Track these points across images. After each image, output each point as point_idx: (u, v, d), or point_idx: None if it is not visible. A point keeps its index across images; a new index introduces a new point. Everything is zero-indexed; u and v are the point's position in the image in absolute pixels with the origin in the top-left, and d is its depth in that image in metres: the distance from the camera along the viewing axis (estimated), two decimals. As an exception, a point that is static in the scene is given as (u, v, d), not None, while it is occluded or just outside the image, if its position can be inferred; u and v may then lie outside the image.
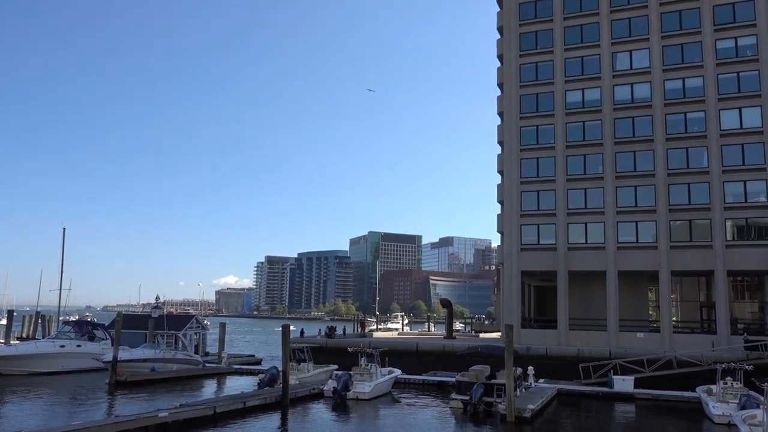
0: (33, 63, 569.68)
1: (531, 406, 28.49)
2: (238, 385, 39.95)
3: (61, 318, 66.30)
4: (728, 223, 47.16)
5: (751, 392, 28.17)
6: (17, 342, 54.00)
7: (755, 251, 45.90)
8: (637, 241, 48.96)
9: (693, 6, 50.18)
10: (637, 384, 36.32)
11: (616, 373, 37.56)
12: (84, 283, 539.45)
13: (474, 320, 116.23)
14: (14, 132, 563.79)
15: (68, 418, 26.71)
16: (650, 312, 51.95)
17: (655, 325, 49.75)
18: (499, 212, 56.01)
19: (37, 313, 67.77)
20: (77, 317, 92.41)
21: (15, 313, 58.21)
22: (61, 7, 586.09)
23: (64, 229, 64.57)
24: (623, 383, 36.16)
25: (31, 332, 66.01)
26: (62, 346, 45.46)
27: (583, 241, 50.52)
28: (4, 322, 63.23)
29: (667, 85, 50.00)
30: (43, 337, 55.21)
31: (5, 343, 51.74)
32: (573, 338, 48.50)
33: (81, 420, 25.04)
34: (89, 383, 38.96)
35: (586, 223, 50.59)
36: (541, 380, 38.43)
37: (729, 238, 46.98)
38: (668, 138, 49.12)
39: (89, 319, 66.11)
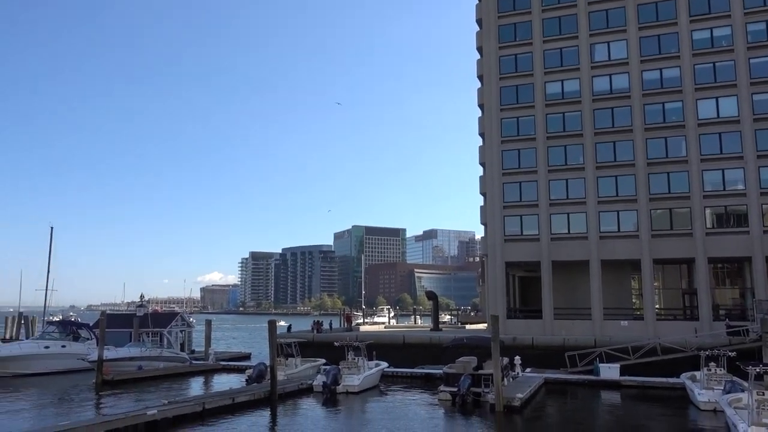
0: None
1: (520, 395, 28.88)
2: (226, 381, 39.98)
3: (44, 318, 65.70)
4: (707, 211, 47.92)
5: (735, 378, 28.76)
6: (0, 343, 53.48)
7: (734, 238, 46.74)
8: (618, 231, 49.60)
9: (670, -3, 50.74)
10: (623, 371, 36.92)
11: (601, 361, 38.16)
12: (67, 283, 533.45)
13: (460, 312, 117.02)
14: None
15: (56, 419, 26.55)
16: (633, 300, 52.66)
17: (638, 312, 50.47)
18: (482, 204, 56.38)
19: (20, 313, 67.22)
20: (61, 317, 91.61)
21: (-3, 315, 57.68)
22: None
23: (51, 228, 64.16)
24: (609, 371, 36.74)
25: (14, 333, 65.45)
26: (47, 347, 45.11)
27: (566, 231, 51.06)
28: (-15, 324, 62.63)
29: (645, 76, 50.57)
30: (27, 338, 54.70)
31: (-12, 346, 51.23)
32: (558, 327, 49.09)
33: (69, 420, 24.94)
34: (75, 383, 38.75)
35: (568, 213, 51.13)
36: (528, 369, 38.91)
37: (709, 225, 47.76)
38: (647, 128, 49.73)
39: (73, 319, 65.44)
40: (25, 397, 34.10)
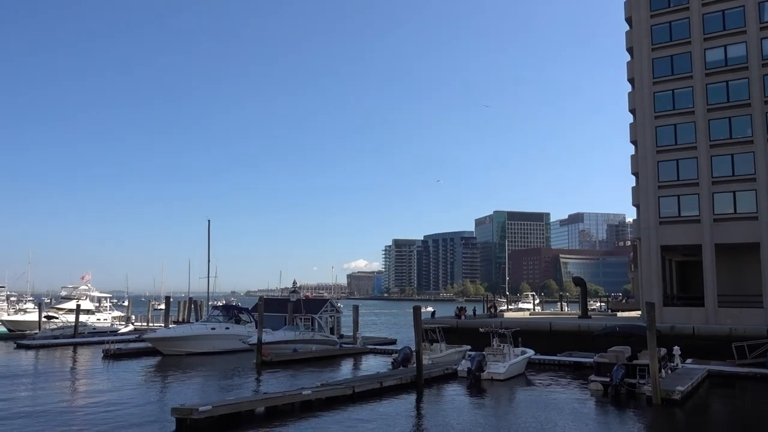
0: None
1: (680, 388, 26.91)
2: (374, 364, 41.27)
3: (210, 303, 71.84)
4: None
5: None
6: (175, 325, 59.29)
7: None
8: (796, 209, 44.32)
9: None
10: (802, 365, 33.14)
11: (775, 354, 34.51)
12: (228, 270, 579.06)
13: (610, 299, 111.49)
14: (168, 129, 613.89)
15: (223, 394, 29.02)
16: (814, 286, 46.95)
17: (820, 300, 44.92)
18: (634, 185, 52.98)
19: (190, 299, 73.99)
20: (224, 302, 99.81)
21: (171, 300, 63.97)
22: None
23: (209, 221, 70.20)
24: (784, 364, 33.13)
25: (185, 316, 72.24)
26: (213, 329, 49.33)
27: (732, 211, 46.52)
28: (162, 307, 69.77)
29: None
30: (197, 321, 60.07)
31: (165, 326, 57.08)
32: (723, 316, 45.02)
33: (234, 396, 27.15)
34: (238, 363, 42.02)
35: (734, 192, 46.49)
36: (689, 360, 36.20)
37: None
38: (831, 92, 43.84)
39: (235, 304, 70.99)
40: (196, 374, 37.54)
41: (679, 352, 34.52)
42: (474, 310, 66.79)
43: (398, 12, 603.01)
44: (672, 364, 33.14)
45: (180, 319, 71.75)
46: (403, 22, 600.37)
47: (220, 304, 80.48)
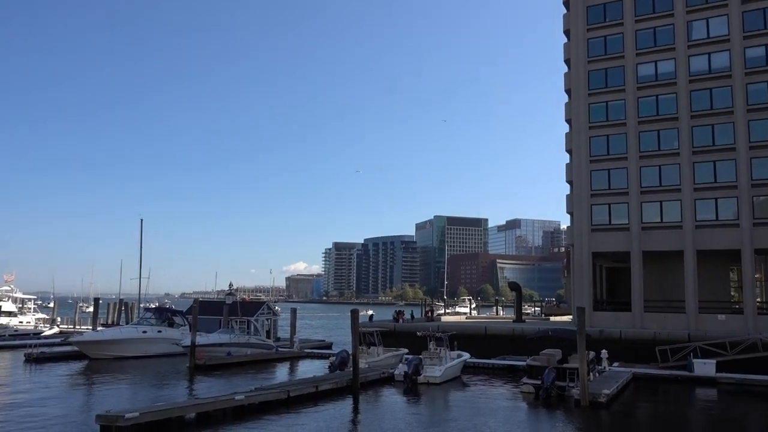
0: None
1: (606, 391, 27.79)
2: (310, 368, 40.83)
3: (141, 305, 69.55)
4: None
5: None
6: (103, 328, 57.05)
7: None
8: (717, 219, 46.68)
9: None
10: (720, 368, 34.80)
11: (695, 357, 36.15)
12: (162, 272, 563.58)
13: (544, 303, 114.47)
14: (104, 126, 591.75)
15: (152, 400, 28.02)
16: (732, 293, 49.56)
17: (737, 306, 47.45)
18: (568, 192, 54.61)
19: (121, 300, 71.43)
20: (157, 304, 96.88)
21: (101, 301, 61.56)
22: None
23: (141, 220, 67.90)
24: (704, 367, 34.72)
25: (115, 319, 69.68)
26: (144, 332, 47.68)
27: (658, 220, 48.61)
28: (91, 309, 67.08)
29: (747, 53, 47.14)
30: (127, 323, 58.01)
31: (93, 329, 54.83)
32: (649, 321, 46.92)
33: (164, 401, 26.25)
34: (170, 367, 40.76)
35: (661, 201, 48.61)
36: (615, 364, 37.44)
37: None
38: (749, 109, 46.41)
39: (168, 306, 68.96)
40: (125, 378, 36.18)
41: (607, 356, 35.69)
42: (412, 314, 67.18)
43: (345, 17, 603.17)
44: (600, 367, 34.23)
45: (109, 322, 69.12)
46: (349, 27, 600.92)
47: (152, 306, 78.00)
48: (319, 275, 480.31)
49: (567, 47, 54.83)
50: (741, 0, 47.66)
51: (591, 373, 30.14)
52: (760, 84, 46.45)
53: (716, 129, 47.37)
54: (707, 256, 47.09)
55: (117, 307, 71.23)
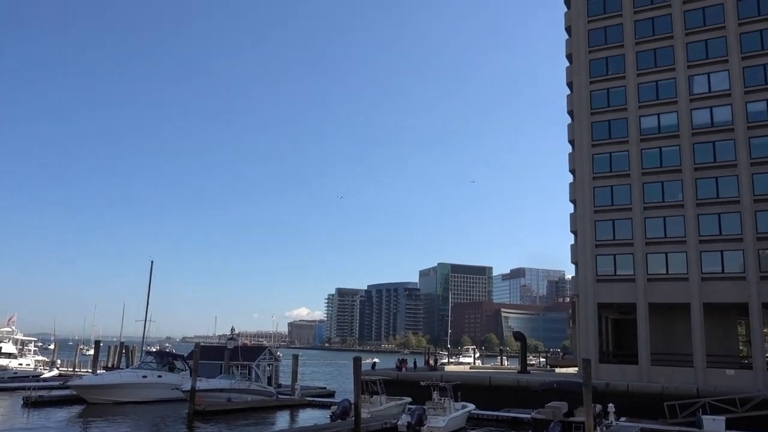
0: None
1: (613, 446, 27.18)
2: (311, 417, 40.17)
3: (143, 349, 68.95)
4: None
5: None
6: (103, 371, 56.47)
7: None
8: (723, 272, 46.43)
9: (775, 25, 48.06)
10: (729, 425, 34.00)
11: (705, 413, 35.40)
12: (165, 315, 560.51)
13: (549, 354, 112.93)
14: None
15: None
16: (740, 347, 48.89)
17: (746, 361, 46.72)
18: (573, 242, 54.58)
19: (122, 343, 70.90)
20: (158, 348, 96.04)
21: (101, 344, 61.13)
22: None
23: (152, 261, 67.37)
24: (714, 423, 33.91)
25: (115, 362, 69.02)
26: (144, 377, 47.19)
27: (664, 272, 48.34)
28: (92, 352, 66.54)
29: (749, 108, 47.80)
30: (127, 367, 57.44)
31: (93, 373, 54.31)
32: (656, 374, 46.18)
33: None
34: (169, 413, 40.18)
35: (666, 253, 48.47)
36: (623, 419, 36.69)
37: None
38: (753, 162, 46.76)
39: (169, 350, 68.36)
40: (122, 424, 35.64)
41: (614, 410, 35.00)
42: (414, 363, 66.39)
43: (353, 60, 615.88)
44: (607, 421, 33.51)
45: (110, 365, 68.45)
46: (357, 72, 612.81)
47: (153, 349, 77.33)
48: (321, 321, 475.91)
49: (570, 98, 55.71)
50: (741, 56, 48.59)
51: (598, 428, 29.53)
52: (762, 138, 46.88)
53: (720, 181, 47.61)
54: (714, 309, 46.67)
55: (118, 350, 70.64)
